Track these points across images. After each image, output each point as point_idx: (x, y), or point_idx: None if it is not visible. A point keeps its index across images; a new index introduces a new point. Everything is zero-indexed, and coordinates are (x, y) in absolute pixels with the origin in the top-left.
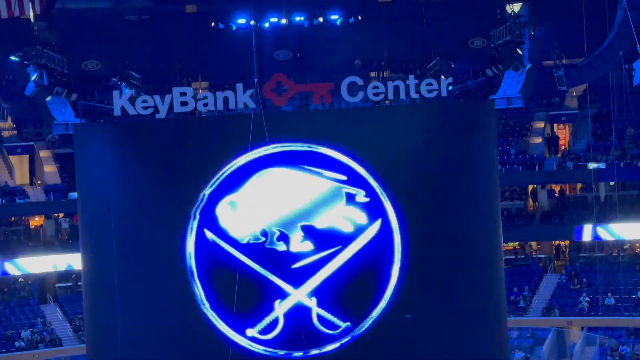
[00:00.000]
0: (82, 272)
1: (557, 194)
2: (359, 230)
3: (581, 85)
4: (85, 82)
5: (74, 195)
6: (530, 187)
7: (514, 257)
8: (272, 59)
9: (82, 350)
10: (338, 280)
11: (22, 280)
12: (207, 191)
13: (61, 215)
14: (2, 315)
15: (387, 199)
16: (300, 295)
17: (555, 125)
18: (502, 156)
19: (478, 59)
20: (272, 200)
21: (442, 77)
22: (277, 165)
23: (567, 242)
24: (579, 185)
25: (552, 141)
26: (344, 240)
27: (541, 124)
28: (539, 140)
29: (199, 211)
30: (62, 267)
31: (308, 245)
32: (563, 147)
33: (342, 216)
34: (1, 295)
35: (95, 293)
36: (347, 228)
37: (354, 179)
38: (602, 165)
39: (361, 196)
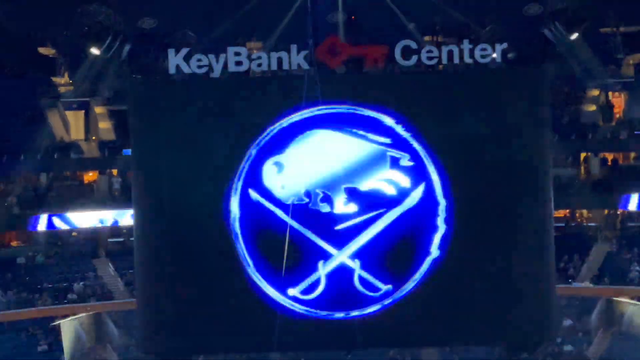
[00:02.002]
0: (133, 228)
1: (609, 163)
2: (403, 194)
3: (638, 53)
4: (141, 39)
5: (127, 151)
6: (583, 155)
7: (564, 224)
8: (326, 20)
9: (133, 305)
10: (381, 243)
11: (76, 234)
12: (254, 150)
13: (115, 171)
14: (56, 268)
15: (431, 163)
16: (343, 256)
17: (610, 93)
18: (555, 123)
19: (533, 25)
20: (317, 162)
21: (497, 43)
22: (322, 127)
23: (619, 211)
24: (632, 154)
25: (606, 109)
26: (388, 203)
27: (596, 92)
28: (593, 108)
29: (244, 171)
30: (110, 223)
31: (352, 207)
32: (617, 116)
33: (386, 180)
34: (55, 249)
35: (145, 250)
36: (391, 191)
37: (399, 143)
38: None
39: (405, 160)
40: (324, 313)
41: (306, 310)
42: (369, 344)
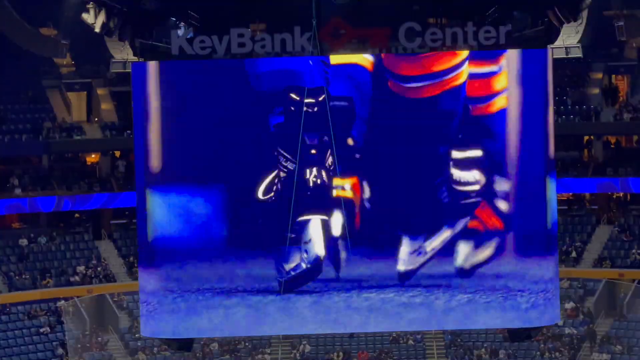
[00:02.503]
0: (136, 210)
1: (612, 146)
2: None
3: None
4: (143, 20)
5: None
6: (586, 138)
7: (567, 207)
8: (330, 2)
9: (136, 287)
10: None
11: (78, 216)
12: None
13: (118, 153)
14: (58, 250)
15: None
16: None
17: (613, 76)
18: (559, 106)
19: (538, 7)
20: None
21: (501, 25)
22: None
23: (622, 194)
24: (635, 137)
25: (609, 92)
26: None
27: (599, 75)
28: (596, 91)
29: None
30: (113, 205)
31: None
32: (621, 99)
33: None
34: (57, 230)
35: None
36: None
37: None
38: None
39: None
40: None
41: None
42: None
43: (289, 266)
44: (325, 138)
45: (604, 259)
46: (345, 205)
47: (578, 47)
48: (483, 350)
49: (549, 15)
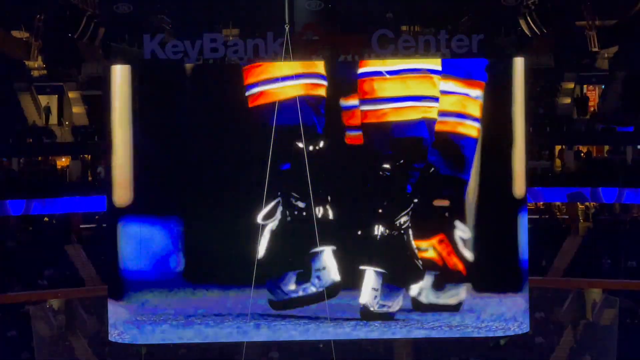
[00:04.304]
0: (106, 214)
1: (583, 156)
2: None
3: (612, 47)
4: (116, 24)
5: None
6: (558, 148)
7: (538, 216)
8: (304, 8)
9: (104, 291)
10: None
11: (47, 219)
12: None
13: (88, 157)
14: (26, 253)
15: None
16: None
17: (585, 86)
18: (530, 115)
19: (510, 16)
20: None
21: (473, 33)
22: None
23: (592, 204)
24: (606, 148)
25: (581, 102)
26: None
27: (571, 85)
28: (567, 100)
29: None
30: (83, 209)
31: None
32: (592, 109)
33: None
34: (26, 234)
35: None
36: None
37: None
38: (630, 129)
39: None
40: None
41: None
42: None
43: (288, 288)
44: None
45: (573, 269)
46: None
47: (550, 57)
48: (452, 359)
49: (522, 25)
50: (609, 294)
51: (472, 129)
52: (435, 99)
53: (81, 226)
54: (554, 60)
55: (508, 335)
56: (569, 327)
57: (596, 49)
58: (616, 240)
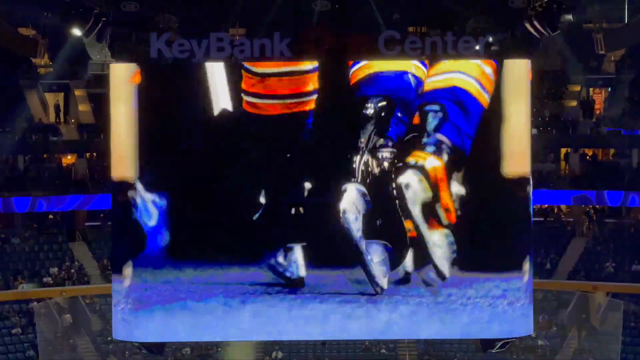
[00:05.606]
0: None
1: (589, 159)
2: None
3: (619, 50)
4: (123, 23)
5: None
6: (563, 151)
7: (543, 219)
8: (310, 9)
9: (109, 290)
10: None
11: (52, 217)
12: None
13: (94, 154)
14: (31, 250)
15: None
16: None
17: (591, 89)
18: (536, 118)
19: (518, 18)
20: None
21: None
22: None
23: (597, 206)
24: (611, 151)
25: (587, 105)
26: None
27: (577, 88)
28: (573, 103)
29: None
30: (88, 206)
31: None
32: (598, 112)
33: None
34: (30, 231)
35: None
36: None
37: None
38: (636, 132)
39: None
40: None
41: None
42: None
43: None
44: None
45: (578, 272)
46: None
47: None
48: None
49: (528, 27)
50: (614, 297)
51: (481, 97)
52: None
53: (86, 224)
54: (560, 62)
55: (511, 339)
56: (573, 330)
57: (603, 52)
58: (621, 244)
